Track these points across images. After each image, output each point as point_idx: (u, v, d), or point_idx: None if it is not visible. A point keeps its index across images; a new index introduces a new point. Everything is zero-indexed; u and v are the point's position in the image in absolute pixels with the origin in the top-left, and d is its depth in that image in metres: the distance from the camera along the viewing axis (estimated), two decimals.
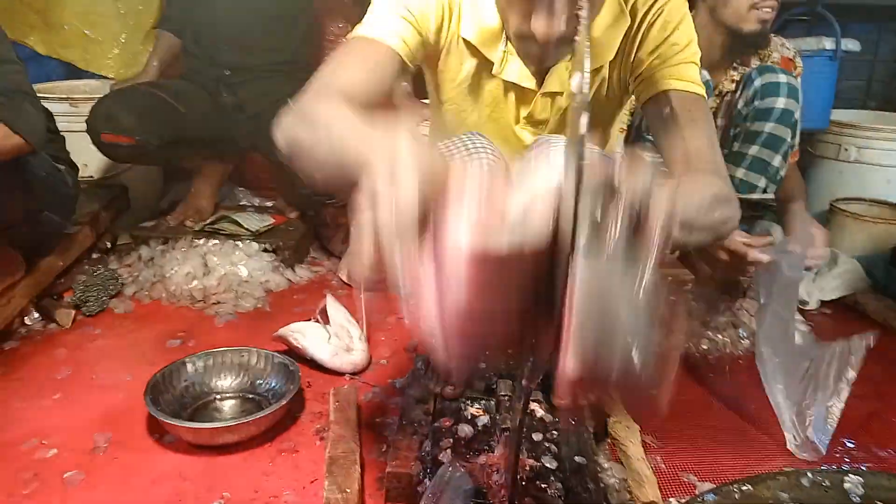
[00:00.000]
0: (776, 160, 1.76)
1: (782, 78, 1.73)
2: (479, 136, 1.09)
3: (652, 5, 1.15)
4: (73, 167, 1.91)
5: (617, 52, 1.19)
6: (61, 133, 1.92)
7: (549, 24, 0.96)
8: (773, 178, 1.78)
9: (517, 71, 1.19)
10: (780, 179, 1.80)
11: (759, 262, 1.49)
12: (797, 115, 1.75)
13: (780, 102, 1.72)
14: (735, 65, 1.86)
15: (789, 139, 1.75)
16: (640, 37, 1.15)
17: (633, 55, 1.17)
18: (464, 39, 1.18)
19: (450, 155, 1.04)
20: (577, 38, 0.70)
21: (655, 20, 1.14)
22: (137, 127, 2.00)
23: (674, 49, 1.13)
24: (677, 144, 1.05)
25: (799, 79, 1.85)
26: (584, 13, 0.65)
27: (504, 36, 1.16)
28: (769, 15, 1.71)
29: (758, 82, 1.74)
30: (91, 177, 2.33)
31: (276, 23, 2.30)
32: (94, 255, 2.16)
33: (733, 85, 1.85)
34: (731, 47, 1.81)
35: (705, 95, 1.13)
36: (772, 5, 1.71)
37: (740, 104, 1.78)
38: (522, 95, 1.23)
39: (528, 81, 1.20)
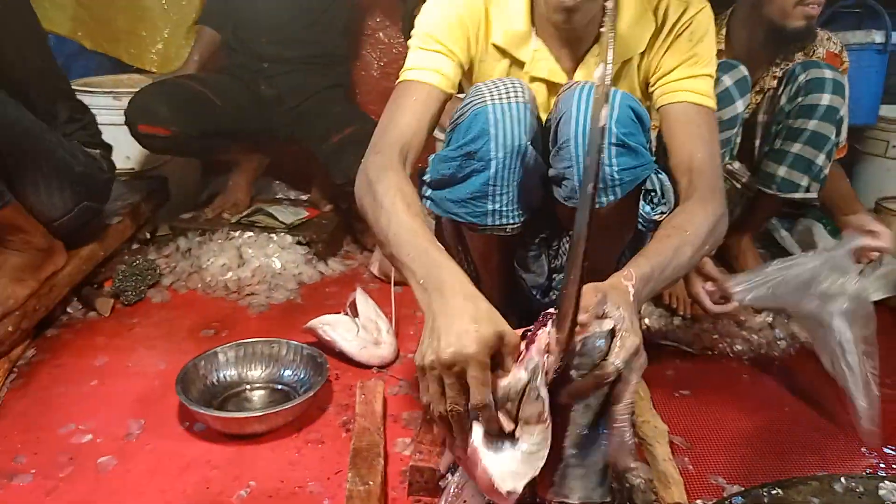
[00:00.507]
0: (820, 159, 1.71)
1: (828, 74, 1.67)
2: (514, 81, 1.14)
3: (683, 13, 1.19)
4: (107, 148, 1.95)
5: (644, 51, 1.23)
6: (95, 117, 1.95)
7: None
8: (817, 177, 1.73)
9: (548, 67, 1.24)
10: (824, 178, 1.74)
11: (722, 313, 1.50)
12: (843, 111, 1.70)
13: (825, 99, 1.66)
14: (778, 61, 1.80)
15: (833, 137, 1.69)
16: (669, 43, 1.20)
17: (658, 59, 1.22)
18: (494, 45, 1.24)
19: (488, 93, 1.11)
20: (602, 28, 0.74)
21: (684, 30, 1.19)
22: (174, 118, 2.04)
23: (696, 60, 1.19)
24: (684, 157, 1.14)
25: (845, 75, 1.79)
26: (610, 4, 0.65)
27: (533, 36, 1.22)
28: (816, 11, 1.65)
29: (802, 78, 1.69)
30: (132, 169, 2.38)
31: (315, 17, 2.32)
32: (134, 246, 2.21)
33: (775, 81, 1.80)
34: (774, 43, 1.76)
35: (715, 107, 1.19)
36: (819, 1, 1.65)
37: (783, 100, 1.73)
38: (554, 89, 1.26)
39: (559, 76, 1.24)
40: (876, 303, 1.99)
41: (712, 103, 1.19)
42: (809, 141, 1.70)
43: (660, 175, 1.13)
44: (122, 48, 2.64)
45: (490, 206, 1.16)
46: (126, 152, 2.26)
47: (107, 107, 2.22)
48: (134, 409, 1.46)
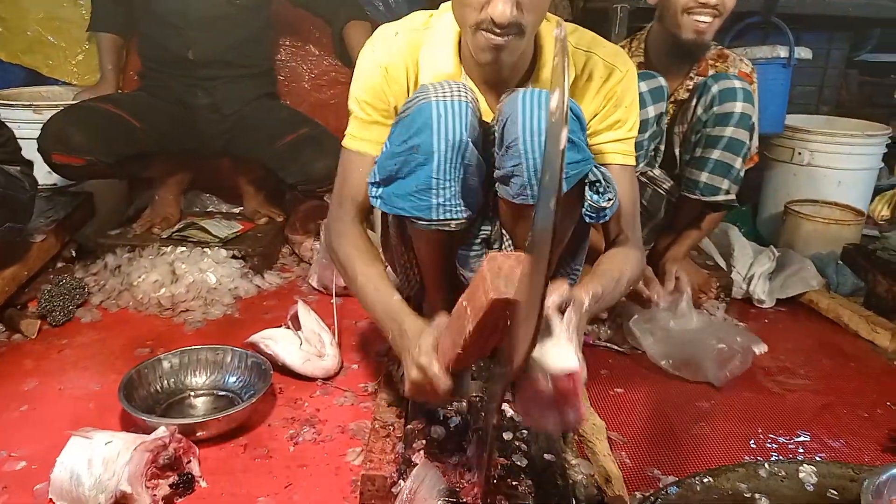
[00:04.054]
0: (737, 163, 1.83)
1: (737, 84, 1.79)
2: (459, 83, 1.20)
3: (608, 78, 1.28)
4: (27, 164, 1.88)
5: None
6: (17, 138, 1.87)
7: (504, 8, 1.07)
8: (735, 179, 1.85)
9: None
10: (741, 180, 1.87)
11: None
12: (754, 119, 1.82)
13: (738, 107, 1.79)
14: (692, 75, 1.91)
15: (748, 142, 1.82)
16: (596, 106, 1.30)
17: (587, 114, 1.29)
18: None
19: (433, 91, 1.18)
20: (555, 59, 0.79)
21: (611, 96, 1.29)
22: (89, 147, 1.96)
23: (622, 125, 1.31)
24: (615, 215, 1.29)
25: (755, 93, 1.91)
26: (559, 32, 0.69)
27: (463, 75, 1.28)
28: (705, 25, 1.75)
29: (714, 88, 1.80)
30: (55, 184, 2.29)
31: (245, 36, 2.31)
32: (59, 265, 2.13)
33: (687, 94, 1.91)
34: (677, 54, 1.87)
35: (635, 162, 1.36)
36: (709, 12, 1.74)
37: (699, 111, 1.84)
38: (481, 125, 1.30)
39: (486, 115, 1.29)
40: (790, 298, 2.15)
41: (633, 160, 1.35)
42: (727, 147, 1.82)
43: (600, 168, 1.20)
44: (40, 60, 2.56)
45: (434, 200, 1.20)
46: (48, 167, 2.17)
47: (26, 120, 2.15)
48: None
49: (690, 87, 1.91)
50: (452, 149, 1.16)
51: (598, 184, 1.16)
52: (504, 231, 1.36)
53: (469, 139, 1.17)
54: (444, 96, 1.16)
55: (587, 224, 1.27)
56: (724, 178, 1.83)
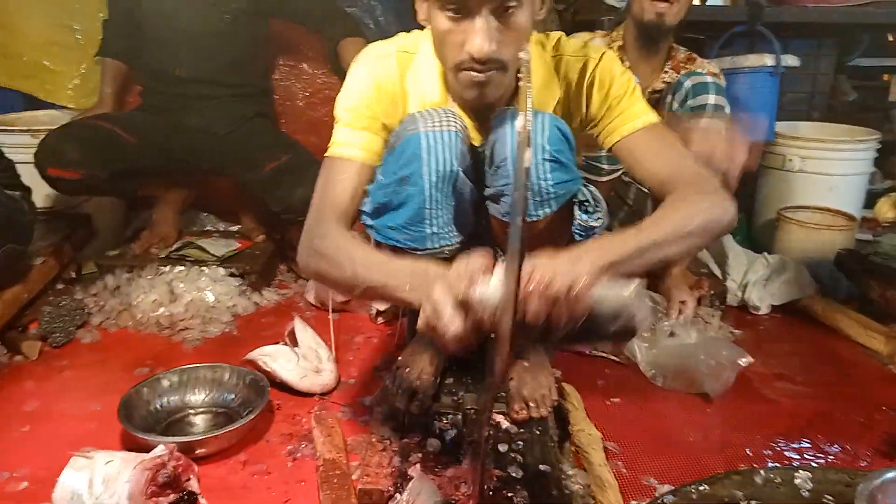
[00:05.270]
0: None
1: (709, 79, 1.90)
2: (447, 111, 1.21)
3: (582, 71, 1.27)
4: (27, 189, 1.92)
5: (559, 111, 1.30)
6: (13, 161, 1.92)
7: (482, 43, 1.06)
8: None
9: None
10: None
11: None
12: (727, 110, 1.88)
13: (711, 99, 1.88)
14: (667, 69, 1.98)
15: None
16: (584, 99, 1.28)
17: (582, 113, 1.29)
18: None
19: (421, 121, 1.17)
20: (520, 81, 0.83)
21: (592, 83, 1.26)
22: (83, 161, 1.98)
23: (618, 99, 1.26)
24: (654, 181, 1.21)
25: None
26: (525, 55, 0.72)
27: (450, 102, 1.28)
28: (664, 8, 1.85)
29: (687, 84, 1.90)
30: (53, 207, 2.32)
31: (236, 56, 2.32)
32: (59, 286, 2.14)
33: (664, 85, 2.00)
34: (646, 38, 1.96)
35: (656, 117, 1.26)
36: None
37: (675, 105, 1.92)
38: (470, 150, 1.32)
39: (475, 139, 1.30)
40: (785, 305, 2.16)
41: (654, 116, 1.26)
42: None
43: (589, 187, 1.22)
44: (37, 84, 2.58)
45: (428, 230, 1.22)
46: (46, 191, 2.19)
47: (25, 145, 2.16)
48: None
49: (666, 79, 1.99)
50: (442, 179, 1.17)
51: (587, 203, 1.17)
52: (496, 248, 1.38)
53: (458, 169, 1.18)
54: (433, 127, 1.17)
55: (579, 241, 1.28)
56: None
